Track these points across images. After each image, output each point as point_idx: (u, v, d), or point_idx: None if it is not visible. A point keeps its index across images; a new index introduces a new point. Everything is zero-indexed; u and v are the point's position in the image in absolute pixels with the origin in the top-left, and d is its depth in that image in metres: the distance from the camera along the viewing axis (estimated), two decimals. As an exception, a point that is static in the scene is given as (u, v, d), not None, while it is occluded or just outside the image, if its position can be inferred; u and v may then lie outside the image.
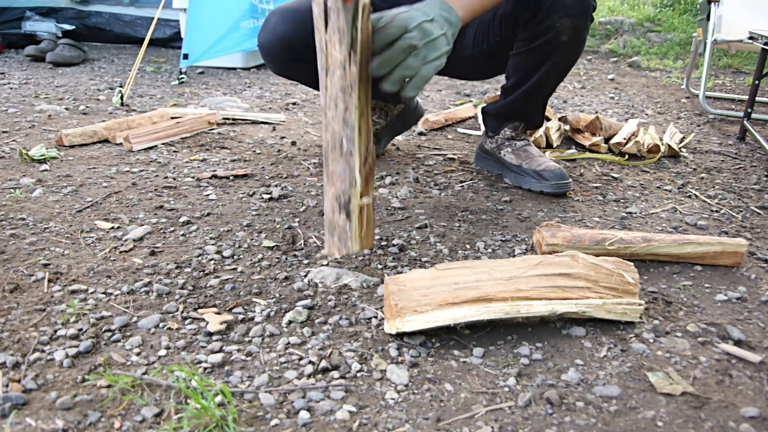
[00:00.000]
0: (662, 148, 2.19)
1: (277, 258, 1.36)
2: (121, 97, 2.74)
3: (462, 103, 3.01)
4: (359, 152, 1.18)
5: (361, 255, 1.37)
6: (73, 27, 4.39)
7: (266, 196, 1.69)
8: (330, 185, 1.22)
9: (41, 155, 1.93)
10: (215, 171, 1.89)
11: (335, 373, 0.97)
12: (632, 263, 1.17)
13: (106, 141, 2.17)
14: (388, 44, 1.12)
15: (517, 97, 1.79)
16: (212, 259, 1.33)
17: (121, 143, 2.13)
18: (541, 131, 2.21)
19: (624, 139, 2.20)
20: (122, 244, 1.39)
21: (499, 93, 1.93)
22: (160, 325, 1.09)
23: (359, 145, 1.17)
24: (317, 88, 1.94)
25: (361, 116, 1.16)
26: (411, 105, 2.16)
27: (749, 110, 2.49)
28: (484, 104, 1.98)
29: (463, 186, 1.84)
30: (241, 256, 1.36)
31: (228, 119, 2.54)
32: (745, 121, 2.48)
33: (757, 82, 2.48)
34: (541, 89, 1.77)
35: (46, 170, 1.84)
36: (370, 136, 1.21)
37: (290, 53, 1.68)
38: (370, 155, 1.22)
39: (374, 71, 1.15)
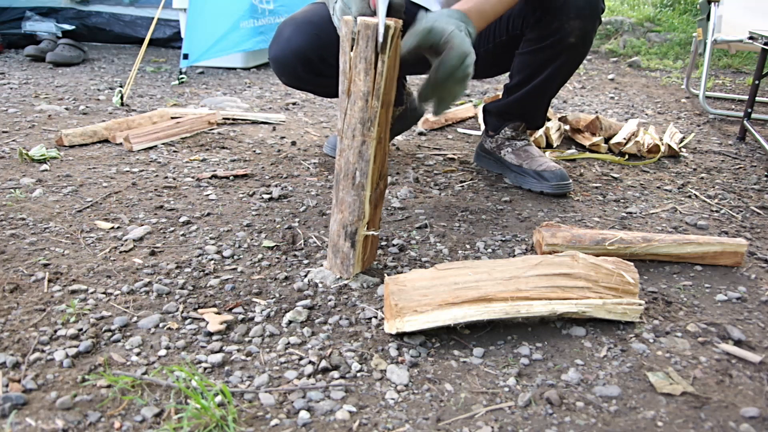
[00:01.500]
0: (662, 148, 2.19)
1: (277, 258, 1.36)
2: (121, 97, 2.74)
3: (462, 103, 3.01)
4: (371, 182, 1.17)
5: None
6: (73, 27, 4.39)
7: (266, 196, 1.69)
8: (338, 211, 1.21)
9: (41, 155, 1.93)
10: (215, 171, 1.89)
11: (335, 373, 0.97)
12: (632, 263, 1.17)
13: (106, 141, 2.17)
14: (426, 50, 1.13)
15: (520, 96, 1.79)
16: (212, 259, 1.33)
17: (121, 143, 2.13)
18: (541, 131, 2.21)
19: (624, 139, 2.20)
20: (122, 244, 1.39)
21: (499, 93, 1.93)
22: (160, 325, 1.09)
23: (372, 175, 1.17)
24: (328, 96, 1.94)
25: (378, 144, 1.15)
26: (412, 105, 2.16)
27: (749, 110, 2.49)
28: (485, 104, 1.98)
29: (463, 186, 1.84)
30: (241, 256, 1.36)
31: (228, 119, 2.54)
32: (745, 121, 2.48)
33: (757, 82, 2.48)
34: (545, 90, 1.77)
35: (46, 170, 1.84)
36: (386, 159, 1.20)
37: (305, 66, 1.68)
38: (382, 180, 1.21)
39: (422, 97, 1.15)
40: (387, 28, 1.06)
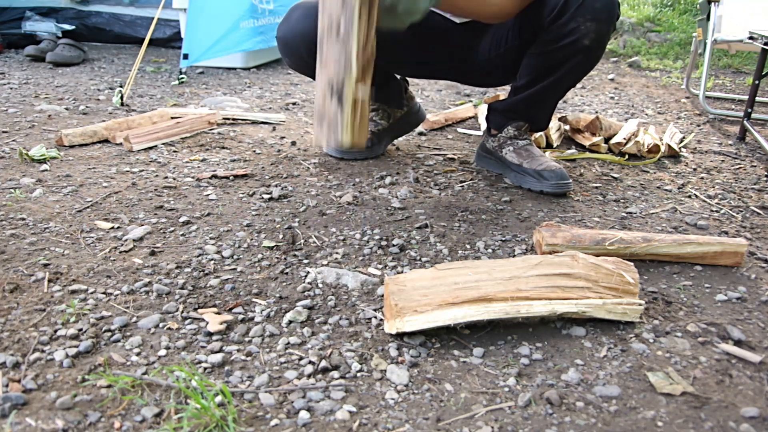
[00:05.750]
0: (662, 148, 2.19)
1: (277, 258, 1.36)
2: (121, 97, 2.74)
3: (462, 103, 3.01)
4: (357, 38, 1.11)
5: (360, 248, 1.37)
6: (73, 27, 4.39)
7: (266, 196, 1.69)
8: (323, 71, 1.15)
9: (41, 155, 1.93)
10: (215, 171, 1.89)
11: (335, 373, 0.97)
12: (632, 263, 1.17)
13: (106, 141, 2.17)
14: None
15: (527, 96, 1.78)
16: (212, 259, 1.33)
17: (121, 143, 2.13)
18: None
19: (624, 139, 2.20)
20: (122, 244, 1.39)
21: (498, 94, 1.93)
22: (160, 325, 1.09)
23: (358, 31, 1.11)
24: None
25: (362, 2, 1.10)
26: (413, 109, 2.17)
27: (749, 110, 2.49)
28: (489, 102, 1.98)
29: (463, 186, 1.84)
30: (241, 256, 1.36)
31: (228, 119, 2.54)
32: (745, 121, 2.48)
33: (757, 82, 2.48)
34: (553, 91, 1.77)
35: (46, 170, 1.84)
36: (372, 25, 1.14)
37: (309, 49, 1.68)
38: (369, 44, 1.15)
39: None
40: None
